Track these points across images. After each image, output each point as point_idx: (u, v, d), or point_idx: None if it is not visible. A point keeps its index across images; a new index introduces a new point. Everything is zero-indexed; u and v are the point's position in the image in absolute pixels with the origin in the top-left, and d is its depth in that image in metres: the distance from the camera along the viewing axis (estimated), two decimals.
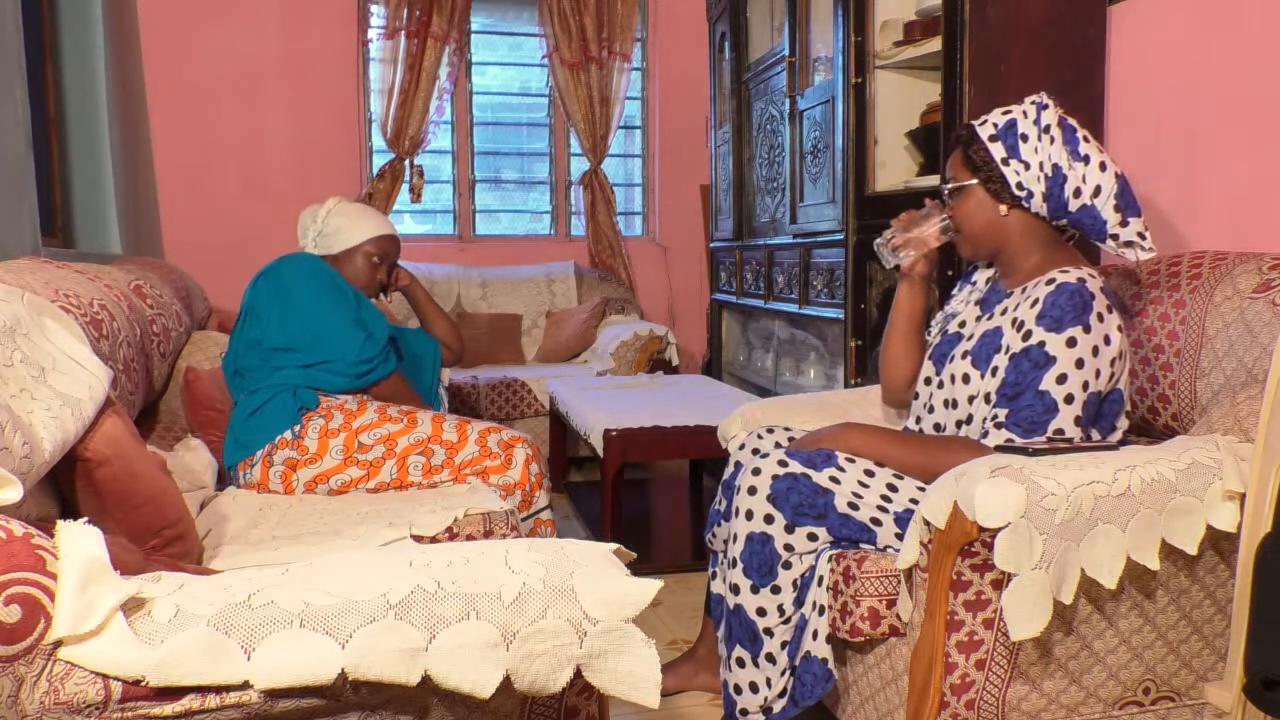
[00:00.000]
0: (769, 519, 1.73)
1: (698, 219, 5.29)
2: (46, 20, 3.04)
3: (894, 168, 3.04)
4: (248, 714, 0.92)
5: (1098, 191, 1.74)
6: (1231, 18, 2.21)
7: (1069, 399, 1.62)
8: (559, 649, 0.97)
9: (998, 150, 1.77)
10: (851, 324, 3.05)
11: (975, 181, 1.81)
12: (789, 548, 1.73)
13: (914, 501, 1.74)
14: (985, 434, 1.68)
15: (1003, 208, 1.79)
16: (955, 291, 2.02)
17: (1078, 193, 1.74)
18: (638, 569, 1.03)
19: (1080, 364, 1.63)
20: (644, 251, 5.37)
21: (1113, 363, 1.67)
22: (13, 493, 0.98)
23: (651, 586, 1.01)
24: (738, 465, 2.04)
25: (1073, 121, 1.80)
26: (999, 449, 1.56)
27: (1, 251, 2.18)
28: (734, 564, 1.77)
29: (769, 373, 3.88)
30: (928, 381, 1.90)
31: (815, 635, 1.69)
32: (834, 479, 1.75)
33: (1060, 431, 1.62)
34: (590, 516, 3.42)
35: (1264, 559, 1.25)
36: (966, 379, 1.78)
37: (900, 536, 1.73)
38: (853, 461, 1.78)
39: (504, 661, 0.95)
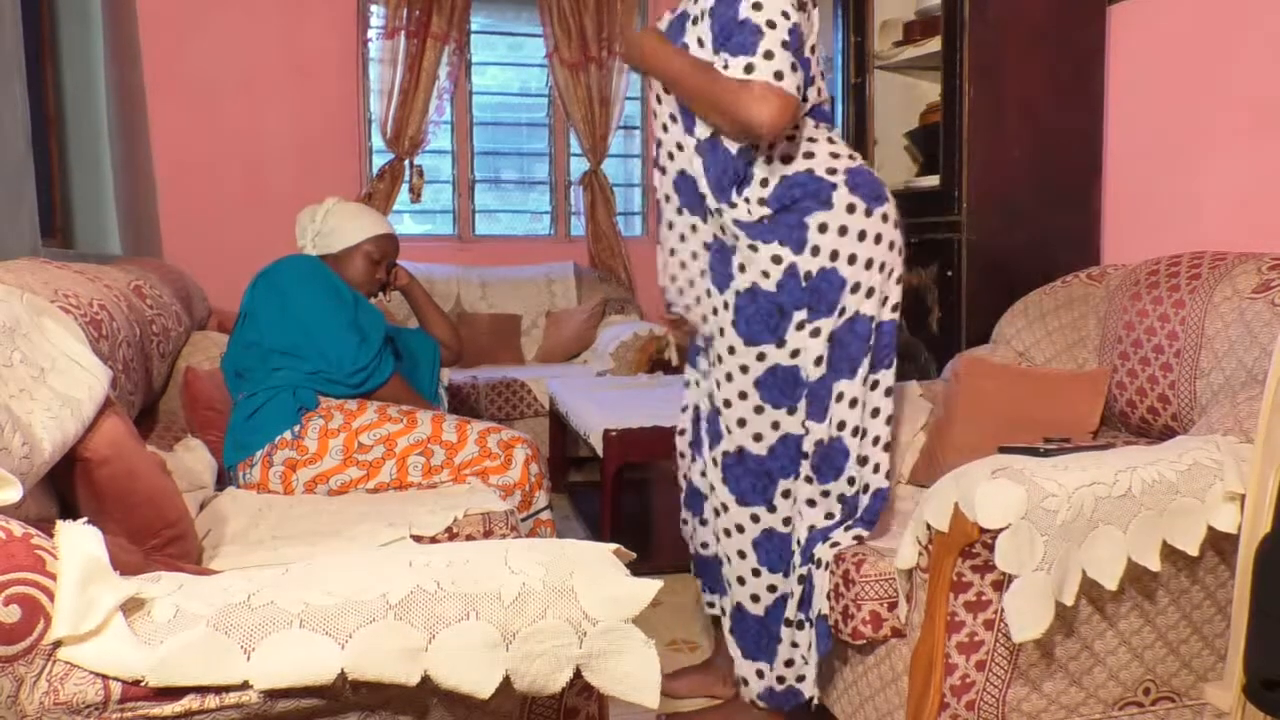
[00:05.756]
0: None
1: None
2: (46, 20, 3.04)
3: (894, 168, 3.05)
4: (247, 714, 0.92)
5: None
6: (1231, 18, 2.21)
7: (770, 23, 1.62)
8: (559, 649, 0.97)
9: None
10: None
11: None
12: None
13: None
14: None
15: None
16: None
17: None
18: (637, 569, 1.03)
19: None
20: (644, 251, 5.36)
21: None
22: (12, 493, 0.98)
23: (651, 586, 1.01)
24: None
25: None
26: (1001, 449, 1.56)
27: (1, 251, 2.18)
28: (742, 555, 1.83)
29: None
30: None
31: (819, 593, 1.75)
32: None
33: (770, 54, 1.61)
34: (590, 516, 3.42)
35: (1264, 559, 1.25)
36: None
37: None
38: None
39: (504, 661, 0.95)
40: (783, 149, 1.74)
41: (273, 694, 0.91)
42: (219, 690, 0.90)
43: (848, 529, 1.77)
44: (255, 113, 4.70)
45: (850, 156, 1.77)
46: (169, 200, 4.29)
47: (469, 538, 1.83)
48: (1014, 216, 2.57)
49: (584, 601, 0.98)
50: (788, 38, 1.63)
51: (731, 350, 1.77)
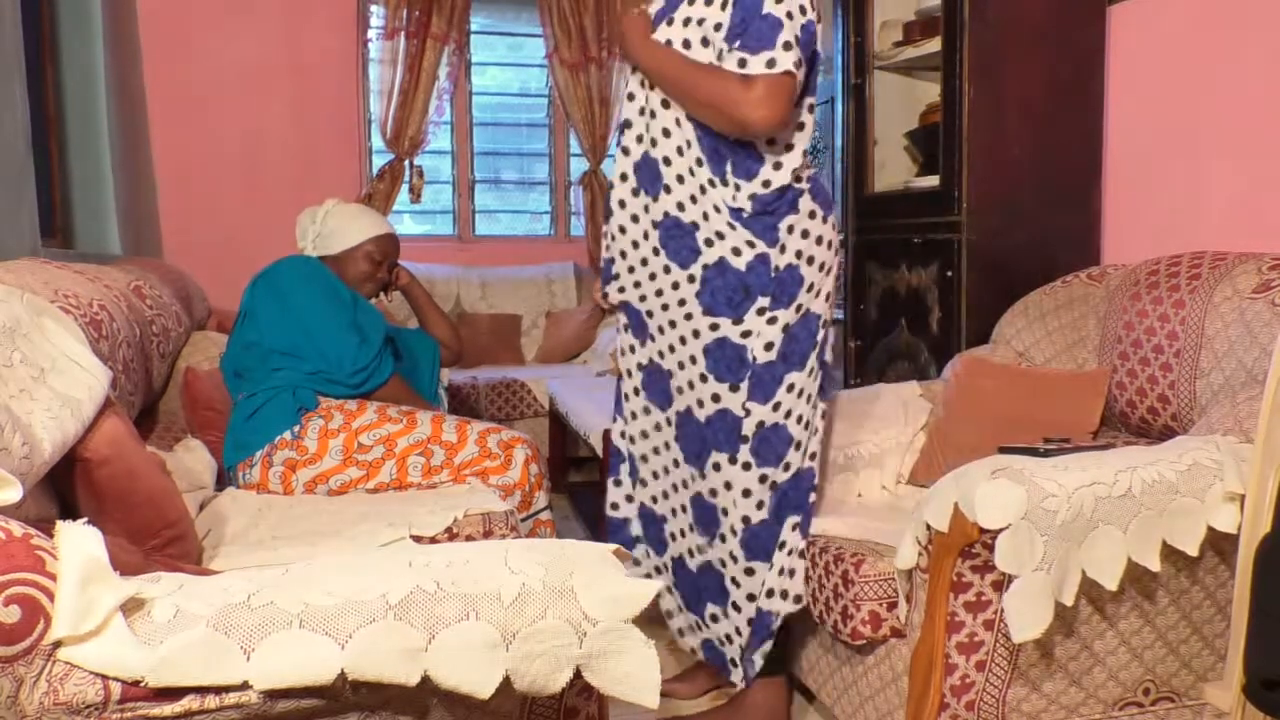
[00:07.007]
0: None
1: None
2: (46, 20, 3.04)
3: (894, 168, 3.04)
4: (247, 714, 0.92)
5: None
6: (1231, 18, 2.21)
7: (789, 15, 1.66)
8: (558, 649, 0.97)
9: None
10: (851, 325, 3.05)
11: None
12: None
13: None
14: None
15: None
16: None
17: None
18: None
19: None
20: None
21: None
22: (12, 493, 0.98)
23: (651, 587, 1.01)
24: None
25: None
26: (1001, 449, 1.56)
27: (1, 251, 2.18)
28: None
29: None
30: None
31: (771, 594, 1.80)
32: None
33: (789, 45, 1.65)
34: (590, 516, 3.42)
35: (1263, 559, 1.25)
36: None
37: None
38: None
39: (503, 662, 0.95)
40: (788, 156, 1.78)
41: (272, 694, 0.91)
42: (219, 690, 0.90)
43: (788, 521, 1.82)
44: (255, 113, 4.70)
45: (808, 165, 1.84)
46: (169, 200, 4.29)
47: (469, 538, 1.83)
48: (1014, 216, 2.57)
49: (584, 602, 0.98)
50: (800, 33, 1.68)
51: (688, 317, 1.82)
